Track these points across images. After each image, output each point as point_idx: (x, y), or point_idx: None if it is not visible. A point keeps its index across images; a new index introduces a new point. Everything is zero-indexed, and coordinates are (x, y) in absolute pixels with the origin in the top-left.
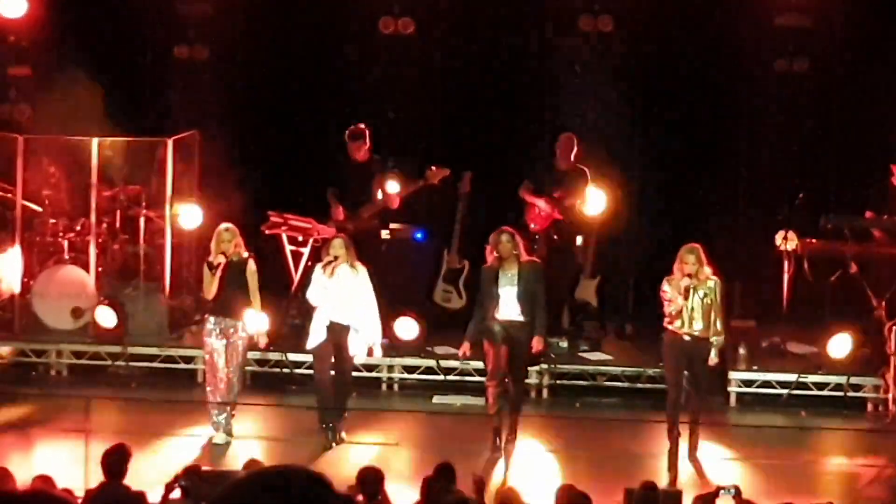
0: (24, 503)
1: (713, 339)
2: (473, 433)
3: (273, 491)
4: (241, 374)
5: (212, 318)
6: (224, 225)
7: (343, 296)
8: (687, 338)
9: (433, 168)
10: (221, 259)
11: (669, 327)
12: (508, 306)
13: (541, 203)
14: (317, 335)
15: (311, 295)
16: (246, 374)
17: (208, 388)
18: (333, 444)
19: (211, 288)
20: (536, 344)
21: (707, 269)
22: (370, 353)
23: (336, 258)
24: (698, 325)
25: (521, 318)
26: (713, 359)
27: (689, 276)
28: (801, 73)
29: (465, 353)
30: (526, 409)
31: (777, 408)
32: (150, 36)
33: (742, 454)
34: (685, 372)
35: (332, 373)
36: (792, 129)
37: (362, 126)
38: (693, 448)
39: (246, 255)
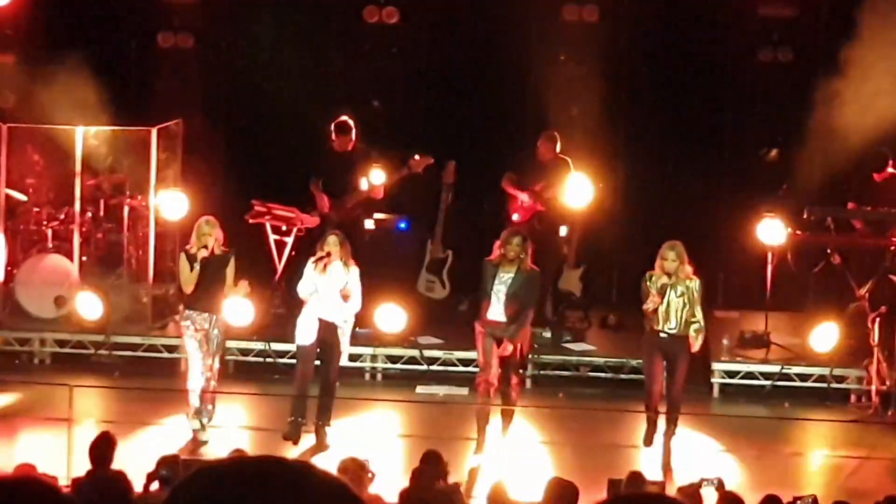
0: (10, 488)
1: (692, 330)
2: (457, 423)
3: (250, 480)
4: (220, 366)
5: (188, 314)
6: (205, 217)
7: (333, 293)
8: (664, 335)
9: (417, 157)
10: (204, 252)
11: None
12: (496, 307)
13: (523, 196)
14: (306, 332)
15: (302, 289)
16: (227, 364)
17: (190, 386)
18: (297, 441)
19: (190, 282)
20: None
21: (687, 268)
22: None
23: (329, 254)
24: (673, 324)
25: (504, 321)
26: (696, 346)
27: (669, 273)
28: (785, 63)
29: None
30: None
31: (760, 399)
32: (134, 24)
33: (725, 445)
34: (664, 364)
35: (320, 369)
36: (776, 120)
37: (346, 118)
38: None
39: (225, 250)
